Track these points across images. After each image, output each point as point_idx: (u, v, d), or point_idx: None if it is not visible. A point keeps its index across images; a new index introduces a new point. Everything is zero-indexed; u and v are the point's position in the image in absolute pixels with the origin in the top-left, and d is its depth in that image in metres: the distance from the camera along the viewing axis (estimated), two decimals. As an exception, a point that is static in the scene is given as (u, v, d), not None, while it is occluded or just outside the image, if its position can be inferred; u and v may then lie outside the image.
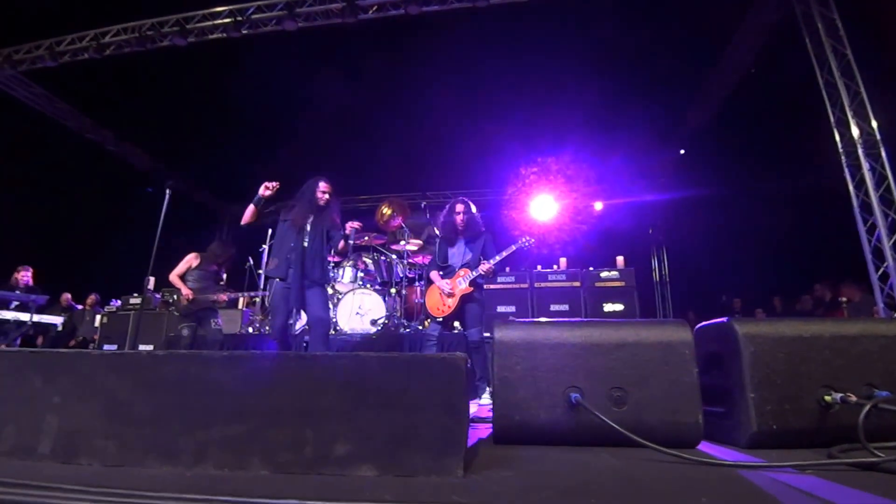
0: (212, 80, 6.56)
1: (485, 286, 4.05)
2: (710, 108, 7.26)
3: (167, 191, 4.09)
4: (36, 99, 7.04)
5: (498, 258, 3.78)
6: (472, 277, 3.78)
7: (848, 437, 1.50)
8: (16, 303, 4.99)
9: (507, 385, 1.70)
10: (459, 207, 4.02)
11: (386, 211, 5.80)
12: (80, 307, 6.91)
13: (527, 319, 2.04)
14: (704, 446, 1.70)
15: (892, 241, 5.32)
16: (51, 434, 1.37)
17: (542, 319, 1.98)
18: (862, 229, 5.53)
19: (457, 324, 4.44)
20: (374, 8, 5.63)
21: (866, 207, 5.50)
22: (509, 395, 1.69)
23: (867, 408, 1.46)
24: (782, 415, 1.62)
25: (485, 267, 3.74)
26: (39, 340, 6.48)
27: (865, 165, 5.48)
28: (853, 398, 1.55)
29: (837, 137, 5.62)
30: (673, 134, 8.15)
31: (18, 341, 5.10)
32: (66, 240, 7.33)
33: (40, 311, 5.11)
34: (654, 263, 9.60)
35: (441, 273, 3.97)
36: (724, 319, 1.82)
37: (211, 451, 1.30)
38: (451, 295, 3.80)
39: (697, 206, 7.85)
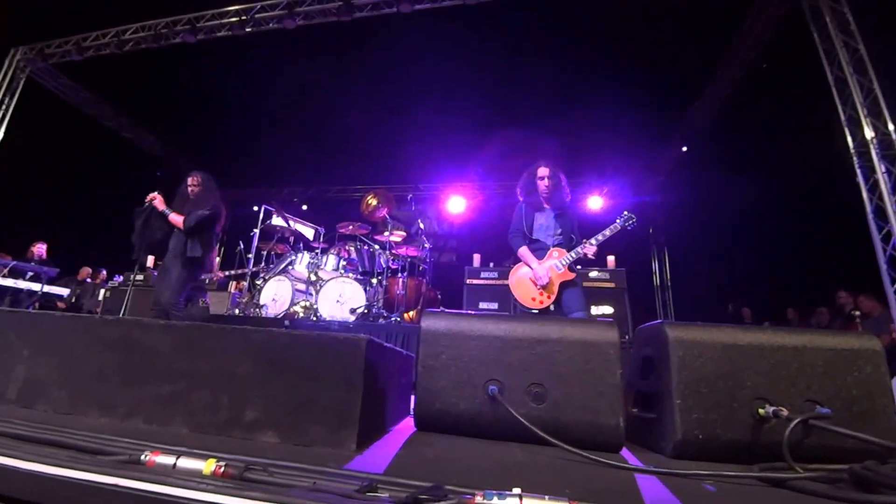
0: (215, 74, 6.97)
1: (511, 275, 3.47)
2: (714, 104, 6.98)
3: (157, 173, 4.43)
4: (63, 89, 7.69)
5: (601, 237, 3.29)
6: (571, 261, 3.24)
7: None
8: (30, 273, 5.51)
9: (430, 373, 1.72)
10: (543, 171, 3.40)
11: (371, 201, 5.93)
12: (90, 281, 7.40)
13: (455, 310, 2.05)
14: (628, 451, 1.65)
15: (909, 251, 5.00)
16: (18, 382, 1.59)
17: (471, 312, 2.04)
18: (876, 237, 5.19)
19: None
20: (368, 7, 5.85)
21: (881, 213, 5.17)
22: (432, 383, 1.71)
23: (794, 423, 1.38)
24: (709, 425, 1.53)
25: (591, 250, 3.24)
26: (61, 305, 7.01)
27: (880, 168, 5.15)
28: (785, 412, 1.45)
29: (849, 138, 5.33)
30: (675, 130, 7.86)
31: (31, 309, 5.59)
32: (81, 217, 7.86)
33: (51, 282, 5.61)
34: (655, 266, 9.09)
35: (531, 250, 3.36)
36: (658, 322, 1.77)
37: (142, 408, 1.48)
38: (546, 285, 3.22)
39: (703, 206, 7.45)
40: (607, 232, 3.33)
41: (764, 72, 6.04)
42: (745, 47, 6.06)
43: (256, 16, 6.20)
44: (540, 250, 3.35)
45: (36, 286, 5.34)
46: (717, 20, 5.74)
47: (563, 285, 3.24)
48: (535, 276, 3.24)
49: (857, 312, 5.80)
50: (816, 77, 5.34)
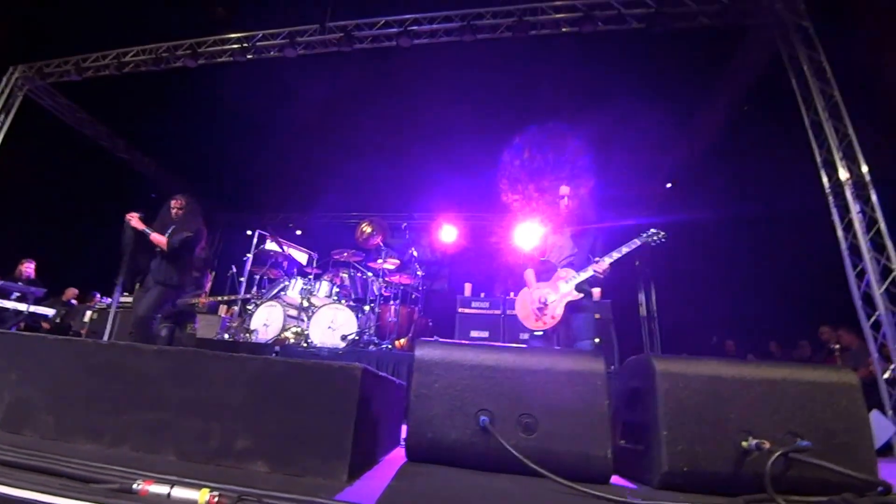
0: (213, 98, 7.05)
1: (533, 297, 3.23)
2: (699, 142, 7.27)
3: (152, 195, 4.45)
4: (59, 108, 7.71)
5: (616, 255, 3.08)
6: (579, 281, 3.07)
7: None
8: (16, 293, 5.41)
9: (422, 402, 1.71)
10: (564, 190, 3.35)
11: (366, 229, 5.99)
12: (74, 303, 7.25)
13: (448, 340, 2.13)
14: (617, 482, 1.67)
15: (884, 287, 5.11)
16: (4, 406, 1.57)
17: (464, 342, 2.05)
18: (851, 274, 5.30)
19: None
20: (369, 39, 6.06)
21: (855, 251, 5.31)
22: (424, 412, 1.70)
23: (775, 456, 1.41)
24: (694, 457, 1.55)
25: (601, 266, 3.04)
26: (46, 326, 6.86)
27: (855, 208, 5.31)
28: (767, 445, 1.48)
29: (825, 179, 5.53)
30: (660, 165, 8.14)
31: (14, 329, 5.47)
32: (73, 237, 7.78)
33: (37, 302, 5.51)
34: (642, 297, 9.24)
35: (536, 271, 3.28)
36: (644, 354, 1.81)
37: (130, 434, 1.48)
38: (544, 305, 3.10)
39: (688, 240, 7.67)
40: (623, 249, 3.12)
41: (746, 113, 6.32)
42: (729, 89, 6.35)
43: (258, 44, 6.35)
44: (548, 272, 3.24)
45: (22, 306, 5.25)
46: (703, 61, 6.07)
47: (571, 308, 3.09)
48: (531, 299, 3.16)
49: (837, 346, 5.89)
50: (796, 119, 5.55)
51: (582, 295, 3.11)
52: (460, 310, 5.74)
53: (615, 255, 3.10)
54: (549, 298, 3.12)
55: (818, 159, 5.53)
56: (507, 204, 6.53)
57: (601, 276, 3.09)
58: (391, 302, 5.75)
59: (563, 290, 3.09)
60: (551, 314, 3.12)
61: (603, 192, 7.76)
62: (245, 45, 6.25)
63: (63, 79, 7.06)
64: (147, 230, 3.92)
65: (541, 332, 3.21)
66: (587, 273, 3.09)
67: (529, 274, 3.32)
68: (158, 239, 3.92)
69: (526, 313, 3.26)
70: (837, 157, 5.38)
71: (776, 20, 5.43)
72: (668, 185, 8.01)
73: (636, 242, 3.16)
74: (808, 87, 5.46)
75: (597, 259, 3.10)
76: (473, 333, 5.82)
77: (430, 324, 6.04)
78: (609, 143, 6.74)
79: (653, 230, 3.23)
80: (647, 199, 8.93)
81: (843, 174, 5.34)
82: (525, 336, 4.54)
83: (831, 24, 5.33)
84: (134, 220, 3.92)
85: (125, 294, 5.56)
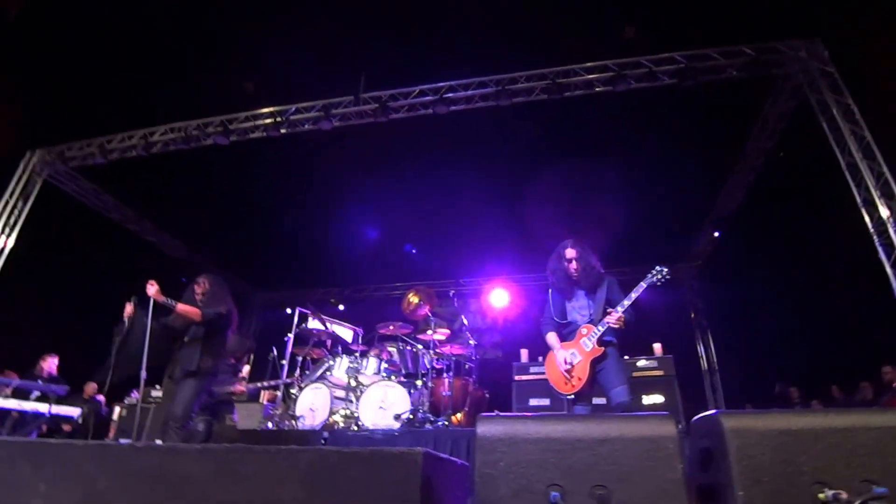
0: (245, 176, 7.03)
1: (575, 351, 3.22)
2: (739, 191, 7.34)
3: (182, 279, 4.22)
4: (81, 191, 7.45)
5: (627, 303, 3.17)
6: (599, 335, 3.15)
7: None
8: (37, 393, 4.99)
9: (487, 482, 1.60)
10: (571, 253, 3.39)
11: (413, 299, 5.79)
12: (100, 399, 6.62)
13: (510, 413, 2.03)
14: None
15: (942, 324, 5.03)
16: None
17: (527, 414, 1.93)
18: (904, 311, 5.27)
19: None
20: (405, 108, 6.13)
21: (905, 287, 5.29)
22: (489, 493, 1.59)
23: None
24: None
25: (613, 318, 3.12)
26: (67, 428, 6.26)
27: (899, 244, 5.36)
28: (844, 495, 1.42)
29: (867, 218, 5.55)
30: (706, 216, 8.18)
31: (35, 434, 4.99)
32: (96, 328, 7.41)
33: (60, 401, 5.07)
34: (701, 350, 9.05)
35: (560, 333, 3.36)
36: (713, 412, 1.74)
37: None
38: (570, 366, 3.14)
39: (741, 288, 7.63)
40: (633, 295, 3.20)
41: (783, 158, 6.44)
42: (763, 137, 6.45)
43: (292, 117, 6.35)
44: (572, 333, 3.31)
45: (43, 407, 4.81)
46: (734, 110, 6.23)
47: (596, 362, 3.14)
48: (558, 361, 3.21)
49: (897, 384, 5.75)
50: (833, 160, 5.61)
51: (603, 349, 3.18)
52: (517, 377, 5.49)
53: (626, 303, 3.20)
54: (575, 360, 3.18)
55: (858, 199, 5.59)
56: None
57: (617, 326, 3.15)
58: (444, 374, 5.46)
59: (587, 347, 3.17)
60: (578, 375, 3.16)
61: (653, 244, 7.76)
62: (279, 119, 6.25)
63: (87, 162, 6.88)
64: (170, 302, 3.58)
65: (572, 396, 3.22)
66: (604, 325, 3.18)
67: (551, 337, 3.38)
68: (187, 309, 3.60)
69: (555, 377, 3.29)
70: (876, 195, 5.44)
71: (802, 68, 5.62)
72: (716, 234, 8.04)
73: (642, 286, 3.23)
74: (839, 130, 5.59)
75: (609, 311, 3.21)
76: (533, 402, 5.54)
77: (487, 395, 5.73)
78: (649, 195, 6.79)
79: (655, 269, 3.28)
80: (698, 250, 8.96)
81: (884, 212, 5.39)
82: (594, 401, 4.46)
83: (855, 68, 5.52)
84: (154, 289, 3.56)
85: (157, 387, 5.20)
